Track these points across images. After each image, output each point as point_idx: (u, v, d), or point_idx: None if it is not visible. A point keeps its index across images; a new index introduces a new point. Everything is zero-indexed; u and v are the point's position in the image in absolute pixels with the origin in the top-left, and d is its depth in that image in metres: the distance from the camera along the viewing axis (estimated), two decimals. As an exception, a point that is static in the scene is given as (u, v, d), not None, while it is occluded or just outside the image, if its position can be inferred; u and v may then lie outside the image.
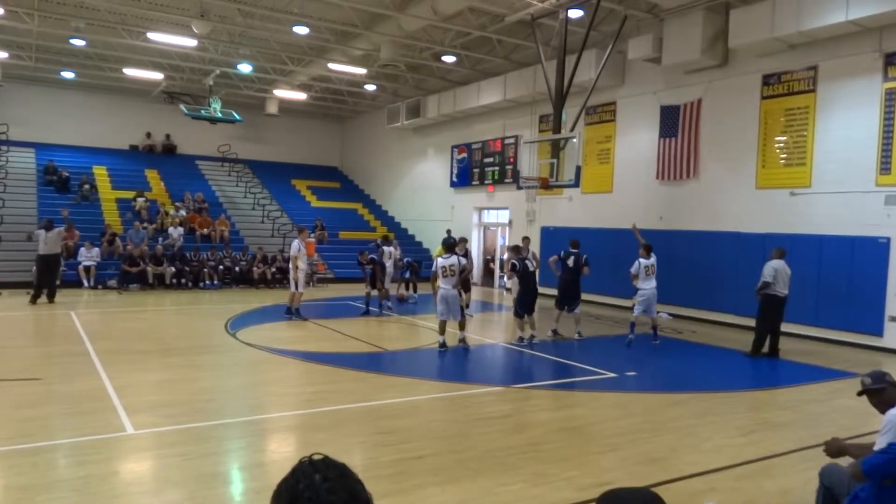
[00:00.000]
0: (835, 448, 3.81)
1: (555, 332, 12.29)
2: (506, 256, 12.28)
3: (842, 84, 12.39)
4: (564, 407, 7.67)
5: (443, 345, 10.58)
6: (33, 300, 14.77)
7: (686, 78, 15.06)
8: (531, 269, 11.64)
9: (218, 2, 15.51)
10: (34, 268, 15.41)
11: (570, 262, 12.06)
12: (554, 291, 12.86)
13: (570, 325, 12.33)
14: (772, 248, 11.32)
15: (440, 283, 10.64)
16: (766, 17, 12.56)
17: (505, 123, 20.80)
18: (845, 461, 3.89)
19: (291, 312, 13.36)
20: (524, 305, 11.53)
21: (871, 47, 11.86)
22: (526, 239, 13.27)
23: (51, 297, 14.96)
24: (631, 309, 12.25)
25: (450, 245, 11.20)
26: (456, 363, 10.23)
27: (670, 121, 15.48)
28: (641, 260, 11.69)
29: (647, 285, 11.68)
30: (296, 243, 13.44)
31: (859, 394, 3.94)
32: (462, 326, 10.87)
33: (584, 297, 12.93)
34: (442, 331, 10.66)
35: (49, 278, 15.13)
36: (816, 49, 12.66)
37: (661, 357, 11.57)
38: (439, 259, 10.78)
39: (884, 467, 3.43)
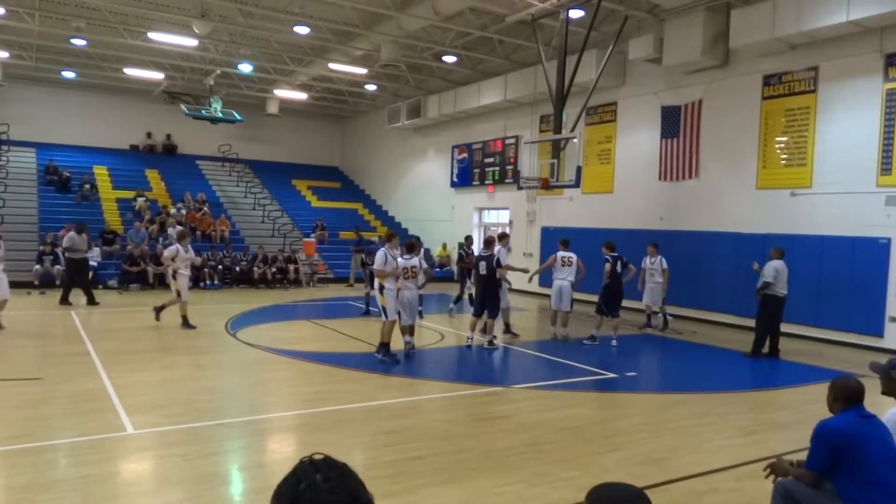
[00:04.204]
0: (781, 470, 3.86)
1: (595, 338, 11.74)
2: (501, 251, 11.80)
3: (842, 84, 12.38)
4: (564, 407, 7.66)
5: (399, 349, 9.88)
6: (64, 301, 14.68)
7: (687, 78, 15.06)
8: (481, 270, 11.06)
9: (219, 2, 15.51)
10: (63, 269, 15.53)
11: (619, 266, 11.66)
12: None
13: (578, 327, 12.31)
14: (772, 248, 11.31)
15: (401, 283, 9.82)
16: (766, 17, 12.56)
17: (505, 124, 20.80)
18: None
19: (383, 351, 9.70)
20: (476, 306, 11.19)
21: (871, 48, 11.85)
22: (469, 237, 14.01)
23: (90, 300, 14.81)
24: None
25: (410, 245, 10.34)
26: (456, 363, 10.23)
27: (671, 121, 15.48)
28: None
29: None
30: (381, 253, 9.90)
31: (877, 370, 4.00)
32: (412, 331, 10.06)
33: (581, 296, 12.89)
34: (396, 333, 9.91)
35: (80, 280, 15.08)
36: (817, 49, 12.66)
37: (661, 357, 11.58)
38: (400, 259, 9.93)
39: None
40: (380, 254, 9.86)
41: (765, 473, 3.92)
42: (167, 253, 12.26)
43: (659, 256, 13.38)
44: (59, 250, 17.67)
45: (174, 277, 12.01)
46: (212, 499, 4.83)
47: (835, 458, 3.54)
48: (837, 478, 3.56)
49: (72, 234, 15.28)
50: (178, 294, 11.95)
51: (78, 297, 14.98)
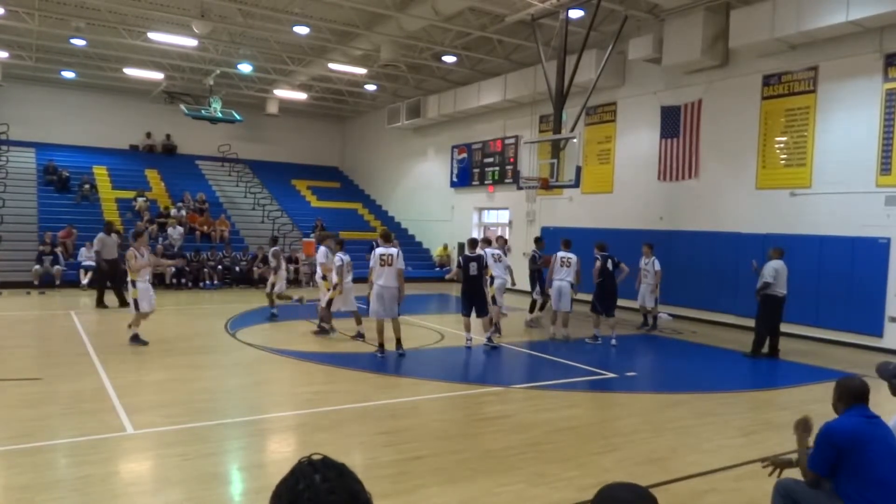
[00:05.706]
0: (781, 464, 3.90)
1: (597, 336, 11.83)
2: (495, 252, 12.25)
3: (842, 84, 12.38)
4: (564, 407, 7.66)
5: (382, 350, 9.84)
6: (100, 303, 14.45)
7: (686, 78, 15.06)
8: (472, 271, 10.93)
9: (218, 1, 15.50)
10: (96, 272, 15.55)
11: (609, 265, 11.74)
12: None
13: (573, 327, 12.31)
14: (771, 248, 11.30)
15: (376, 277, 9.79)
16: (766, 17, 12.56)
17: (505, 123, 20.80)
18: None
19: (382, 350, 9.94)
20: (464, 306, 11.14)
21: (871, 48, 11.85)
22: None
23: (122, 302, 14.05)
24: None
25: (386, 235, 10.31)
26: (456, 363, 10.22)
27: (671, 121, 15.49)
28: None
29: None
30: (400, 253, 10.02)
31: (887, 376, 4.00)
32: (397, 330, 9.92)
33: (582, 297, 12.91)
34: (381, 333, 9.87)
35: (115, 281, 14.79)
36: (817, 49, 12.66)
37: (661, 357, 11.58)
38: (377, 249, 9.91)
39: None
40: (400, 253, 9.86)
41: (764, 465, 3.93)
42: (321, 259, 11.65)
43: (653, 258, 13.35)
44: (58, 251, 17.69)
45: (324, 278, 11.70)
46: (212, 499, 4.83)
47: (839, 460, 3.54)
48: (837, 478, 3.56)
49: (101, 235, 15.23)
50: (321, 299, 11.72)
51: (81, 296, 14.97)
